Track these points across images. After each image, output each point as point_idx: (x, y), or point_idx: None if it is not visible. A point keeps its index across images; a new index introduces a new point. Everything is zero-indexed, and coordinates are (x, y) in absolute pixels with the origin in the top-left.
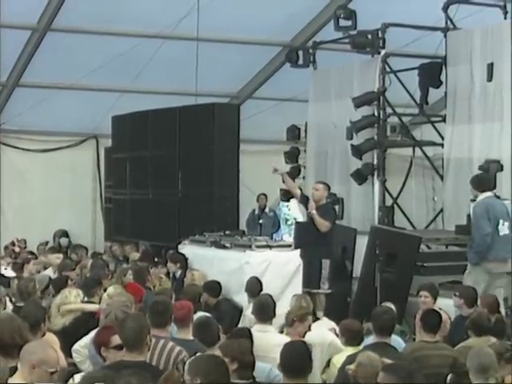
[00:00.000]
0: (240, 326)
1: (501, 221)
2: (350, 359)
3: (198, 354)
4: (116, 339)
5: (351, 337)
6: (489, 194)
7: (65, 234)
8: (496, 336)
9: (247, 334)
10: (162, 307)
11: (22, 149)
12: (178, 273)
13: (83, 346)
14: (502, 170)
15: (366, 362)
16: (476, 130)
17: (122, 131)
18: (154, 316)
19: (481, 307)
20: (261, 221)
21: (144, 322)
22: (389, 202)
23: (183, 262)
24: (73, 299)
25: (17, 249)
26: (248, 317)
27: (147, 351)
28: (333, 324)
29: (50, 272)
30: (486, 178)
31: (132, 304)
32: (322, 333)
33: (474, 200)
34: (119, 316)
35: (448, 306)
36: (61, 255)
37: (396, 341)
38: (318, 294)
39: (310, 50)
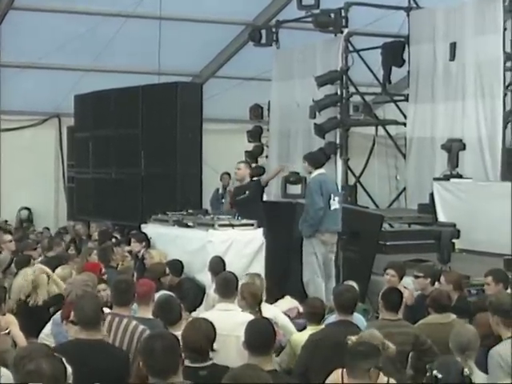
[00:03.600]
0: (203, 304)
1: (332, 195)
2: (313, 336)
3: None
4: None
5: (313, 315)
6: (322, 170)
7: (26, 208)
8: (458, 314)
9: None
10: (124, 285)
11: None
12: (141, 252)
13: (48, 334)
14: (464, 148)
15: (365, 337)
16: (439, 109)
17: (84, 110)
18: (117, 294)
19: (445, 283)
20: (224, 200)
21: (99, 300)
22: (352, 180)
23: (148, 241)
24: None
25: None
26: (211, 296)
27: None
28: (296, 303)
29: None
30: (319, 155)
31: (95, 284)
32: (275, 314)
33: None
34: (80, 294)
35: (410, 284)
36: (10, 236)
37: (359, 319)
38: None
39: (273, 29)
